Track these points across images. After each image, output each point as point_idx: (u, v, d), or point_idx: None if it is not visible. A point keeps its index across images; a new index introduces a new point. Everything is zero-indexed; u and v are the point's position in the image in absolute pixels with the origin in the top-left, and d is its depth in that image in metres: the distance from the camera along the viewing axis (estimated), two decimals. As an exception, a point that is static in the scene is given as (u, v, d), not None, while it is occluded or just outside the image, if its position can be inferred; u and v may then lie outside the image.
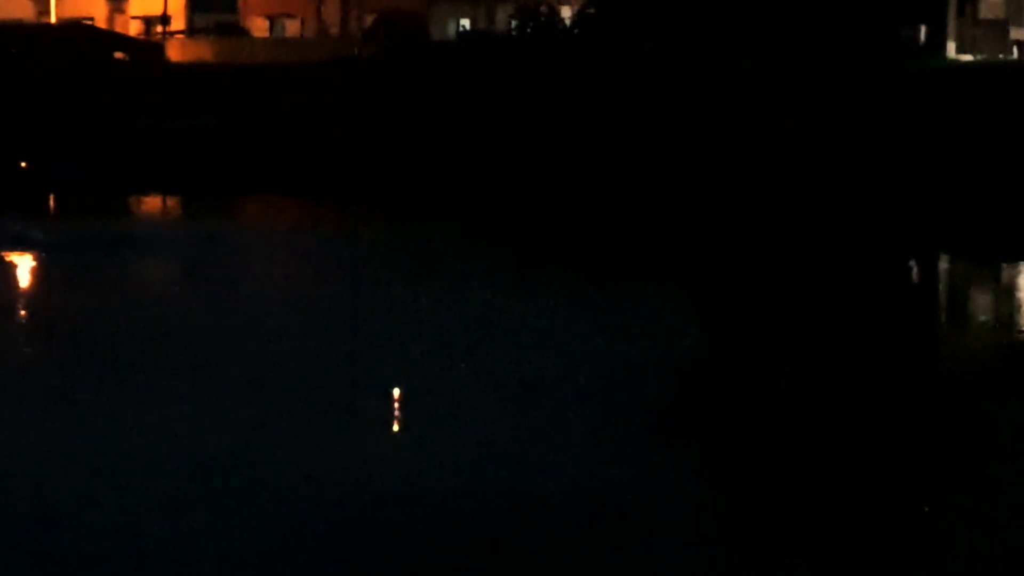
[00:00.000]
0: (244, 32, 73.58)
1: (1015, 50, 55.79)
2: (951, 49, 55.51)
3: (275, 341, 21.29)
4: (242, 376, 18.74)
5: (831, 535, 13.11)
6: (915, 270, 33.17)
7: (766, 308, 25.65)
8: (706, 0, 53.25)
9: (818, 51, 50.36)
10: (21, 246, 31.19)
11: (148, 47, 69.64)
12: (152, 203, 47.75)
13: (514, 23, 60.61)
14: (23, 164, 52.50)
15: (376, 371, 19.55)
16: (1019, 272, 31.14)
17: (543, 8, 60.01)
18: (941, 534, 13.15)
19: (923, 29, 55.76)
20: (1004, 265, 31.71)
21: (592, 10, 58.24)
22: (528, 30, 59.28)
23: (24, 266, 30.23)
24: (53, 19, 73.05)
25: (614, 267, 31.03)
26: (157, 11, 73.37)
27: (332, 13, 72.64)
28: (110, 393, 17.90)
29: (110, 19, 76.98)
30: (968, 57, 54.59)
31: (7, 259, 30.26)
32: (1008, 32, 56.09)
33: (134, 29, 76.12)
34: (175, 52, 68.40)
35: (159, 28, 73.18)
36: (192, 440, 15.52)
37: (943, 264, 33.66)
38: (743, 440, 16.26)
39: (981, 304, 27.54)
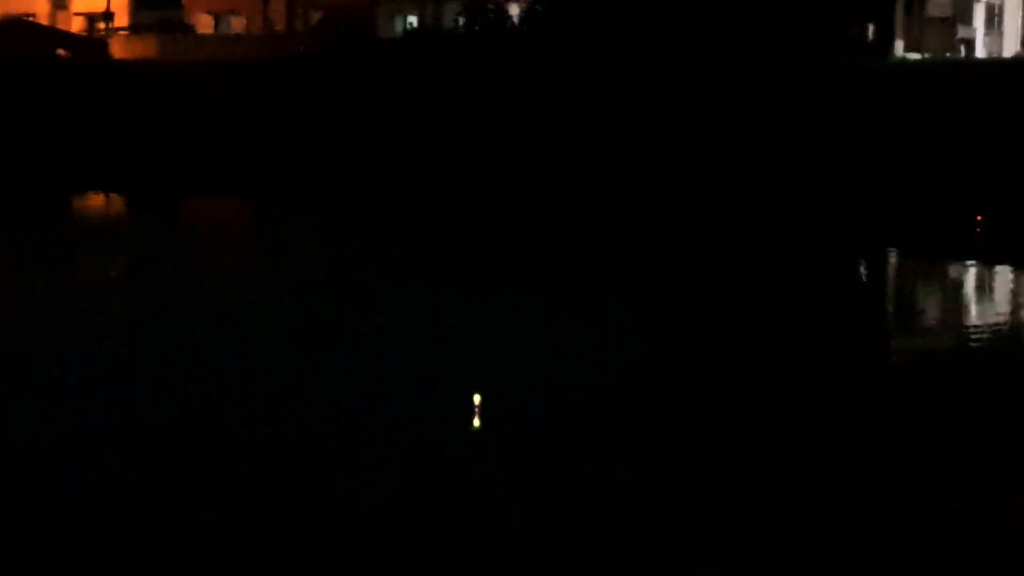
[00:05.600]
0: (189, 29, 72.88)
1: (962, 48, 55.88)
2: (899, 47, 55.53)
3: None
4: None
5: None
6: (844, 265, 33.05)
7: (709, 301, 25.42)
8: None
9: (767, 49, 50.24)
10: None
11: (91, 44, 68.93)
12: (95, 202, 47.17)
13: (461, 20, 60.29)
14: None
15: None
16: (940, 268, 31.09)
17: (491, 6, 59.70)
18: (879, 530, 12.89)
19: (871, 28, 55.74)
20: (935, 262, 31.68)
21: (540, 7, 57.93)
22: (476, 27, 58.98)
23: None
24: (-7, 16, 72.19)
25: (557, 262, 30.76)
26: (100, 7, 72.56)
27: (278, 10, 72.03)
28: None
29: (52, 16, 76.10)
30: (916, 55, 54.63)
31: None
32: (955, 30, 56.17)
33: (77, 26, 75.25)
34: (119, 49, 67.71)
35: (102, 25, 72.37)
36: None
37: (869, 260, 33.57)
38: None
39: (905, 297, 27.42)
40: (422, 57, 55.82)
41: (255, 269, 30.05)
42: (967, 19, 56.75)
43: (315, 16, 70.67)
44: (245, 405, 17.23)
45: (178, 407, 17.02)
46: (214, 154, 53.13)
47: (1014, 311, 25.78)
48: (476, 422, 16.40)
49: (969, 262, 31.33)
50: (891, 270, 32.57)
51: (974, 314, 25.53)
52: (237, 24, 73.77)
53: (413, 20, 68.13)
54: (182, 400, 17.36)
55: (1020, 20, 57.67)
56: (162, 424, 16.23)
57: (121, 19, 74.26)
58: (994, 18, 57.45)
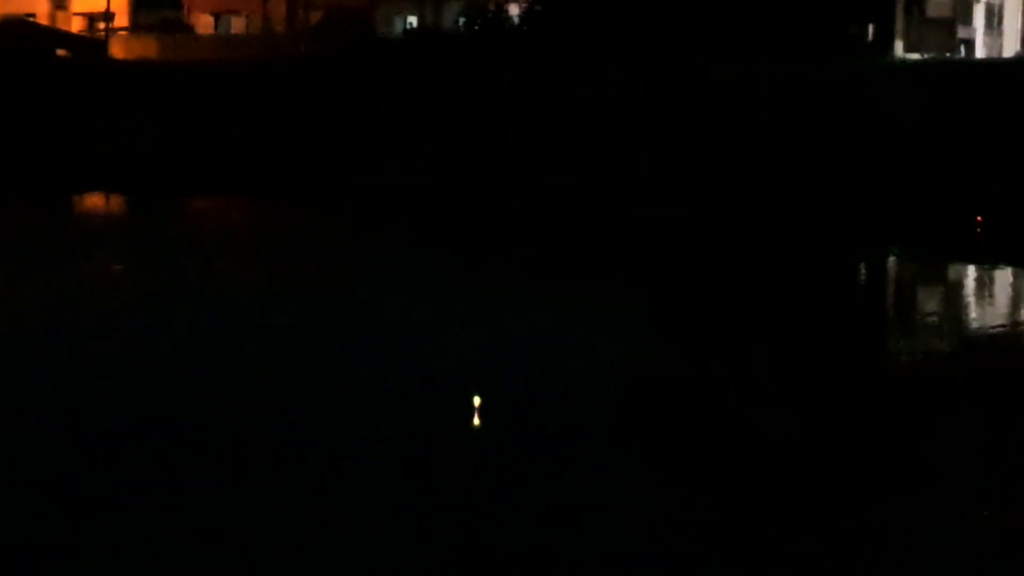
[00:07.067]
0: (188, 29, 72.91)
1: (962, 48, 55.90)
2: (899, 48, 55.55)
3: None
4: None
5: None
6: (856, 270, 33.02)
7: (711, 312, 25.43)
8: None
9: (765, 51, 50.23)
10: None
11: (91, 44, 68.95)
12: (95, 202, 47.17)
13: (462, 21, 60.34)
14: None
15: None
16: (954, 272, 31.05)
17: (491, 6, 59.75)
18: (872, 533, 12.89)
19: (871, 28, 55.75)
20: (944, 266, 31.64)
21: (540, 7, 57.96)
22: (476, 28, 59.01)
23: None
24: (-7, 16, 72.17)
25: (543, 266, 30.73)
26: (100, 8, 72.56)
27: (277, 10, 72.08)
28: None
29: (52, 16, 76.12)
30: (916, 56, 54.64)
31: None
32: (955, 30, 56.19)
33: (76, 26, 75.27)
34: (118, 49, 67.72)
35: (102, 25, 72.39)
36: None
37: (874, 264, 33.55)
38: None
39: (910, 302, 27.39)
40: (422, 57, 55.81)
41: (262, 269, 30.03)
42: (967, 19, 56.76)
43: (315, 16, 70.72)
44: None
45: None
46: (214, 154, 53.12)
47: (1014, 312, 25.78)
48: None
49: (969, 262, 31.32)
50: (891, 270, 32.56)
51: (974, 315, 25.52)
52: (237, 24, 73.80)
53: (413, 20, 68.19)
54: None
55: (1020, 20, 57.70)
56: (166, 419, 16.23)
57: (121, 19, 74.27)
58: (994, 18, 57.47)
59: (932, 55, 54.41)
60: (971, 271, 30.69)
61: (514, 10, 61.04)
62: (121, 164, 52.32)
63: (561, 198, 43.54)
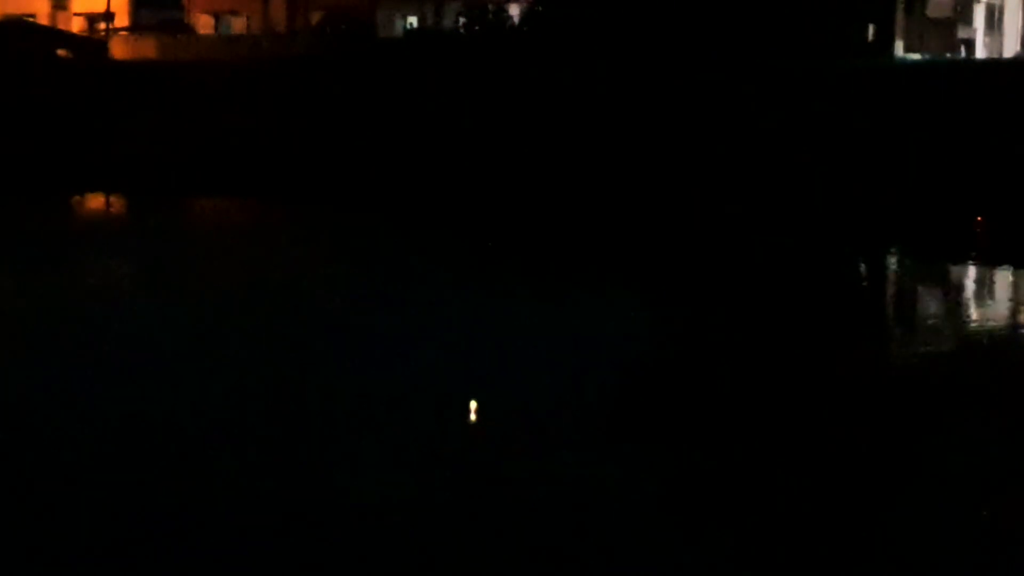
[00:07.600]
0: (189, 29, 72.89)
1: (962, 48, 55.93)
2: (899, 48, 55.57)
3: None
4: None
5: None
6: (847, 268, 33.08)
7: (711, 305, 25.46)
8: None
9: (765, 51, 50.26)
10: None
11: (91, 44, 68.95)
12: (96, 202, 47.22)
13: (461, 20, 60.34)
14: None
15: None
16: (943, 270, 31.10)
17: (491, 6, 59.76)
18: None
19: (871, 28, 55.79)
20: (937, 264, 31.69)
21: (540, 8, 57.97)
22: (476, 28, 59.02)
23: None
24: (-7, 16, 72.21)
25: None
26: (100, 8, 72.60)
27: (278, 10, 72.08)
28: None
29: (52, 16, 76.13)
30: (916, 56, 54.67)
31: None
32: (956, 31, 56.22)
33: (77, 26, 75.28)
34: (119, 49, 67.71)
35: (102, 25, 72.43)
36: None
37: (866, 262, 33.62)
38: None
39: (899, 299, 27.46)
40: (422, 57, 55.82)
41: (263, 270, 30.09)
42: (967, 19, 56.79)
43: (315, 16, 70.73)
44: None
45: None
46: (214, 154, 53.14)
47: (1014, 311, 25.81)
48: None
49: (969, 262, 31.34)
50: (890, 269, 32.59)
51: (974, 315, 25.54)
52: (237, 24, 73.78)
53: (413, 20, 68.19)
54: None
55: (1020, 20, 57.72)
56: (179, 420, 16.26)
57: (121, 19, 74.29)
58: (994, 18, 57.50)
59: (932, 55, 54.44)
60: (971, 271, 30.71)
61: (514, 10, 61.04)
62: (121, 164, 52.34)
63: (567, 195, 43.60)
